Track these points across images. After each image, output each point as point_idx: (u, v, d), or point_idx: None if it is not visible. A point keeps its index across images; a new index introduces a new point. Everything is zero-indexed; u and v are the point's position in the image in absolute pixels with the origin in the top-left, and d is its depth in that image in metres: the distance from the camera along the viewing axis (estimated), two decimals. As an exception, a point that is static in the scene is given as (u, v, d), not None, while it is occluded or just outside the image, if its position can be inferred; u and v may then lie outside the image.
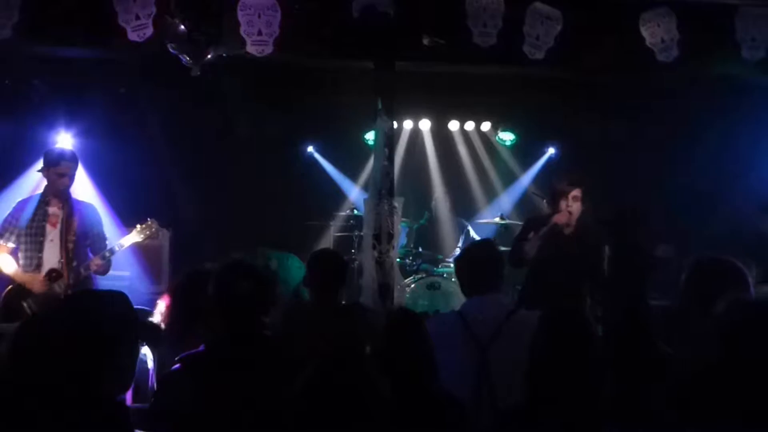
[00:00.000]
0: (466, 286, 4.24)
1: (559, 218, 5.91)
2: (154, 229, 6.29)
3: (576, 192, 5.90)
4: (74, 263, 5.92)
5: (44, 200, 6.01)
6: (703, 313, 3.45)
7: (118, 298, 2.85)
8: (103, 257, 6.01)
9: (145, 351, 4.12)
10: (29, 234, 5.92)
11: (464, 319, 3.94)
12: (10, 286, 5.89)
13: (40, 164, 6.17)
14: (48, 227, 5.95)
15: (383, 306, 5.91)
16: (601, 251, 6.03)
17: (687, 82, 7.64)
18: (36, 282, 5.81)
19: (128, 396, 4.30)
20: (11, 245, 5.93)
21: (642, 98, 8.77)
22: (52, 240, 5.93)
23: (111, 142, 8.52)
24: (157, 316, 4.72)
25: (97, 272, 5.98)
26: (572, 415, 2.87)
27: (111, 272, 6.37)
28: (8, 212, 6.03)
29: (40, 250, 5.91)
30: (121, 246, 6.15)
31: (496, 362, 3.78)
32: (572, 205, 5.90)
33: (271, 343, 3.41)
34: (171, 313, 4.35)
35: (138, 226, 6.27)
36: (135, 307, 2.90)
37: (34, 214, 5.95)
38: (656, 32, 6.30)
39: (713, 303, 3.37)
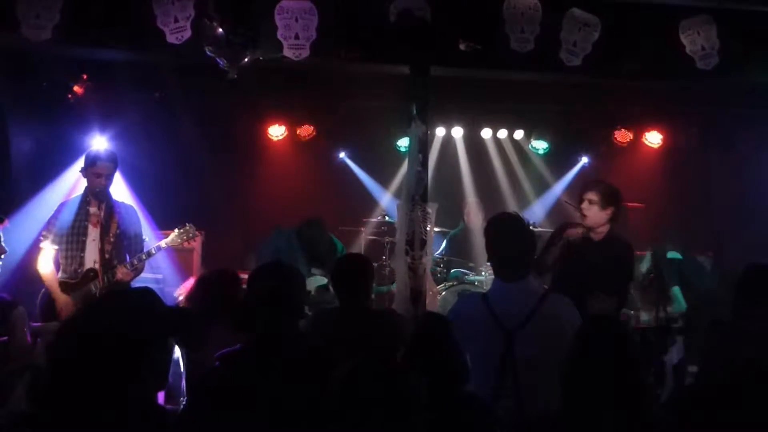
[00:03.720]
0: (495, 265, 4.09)
1: (570, 232, 5.82)
2: (191, 234, 6.34)
3: (591, 195, 5.78)
4: (113, 264, 5.97)
5: (85, 200, 6.08)
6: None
7: (146, 294, 2.86)
8: (137, 261, 6.05)
9: (177, 354, 4.13)
10: (72, 234, 5.99)
11: (490, 307, 3.86)
12: (44, 288, 5.95)
13: (77, 168, 6.26)
14: (90, 227, 6.01)
15: (415, 312, 5.87)
16: (627, 263, 5.92)
17: (725, 90, 7.56)
18: (65, 306, 5.82)
19: (160, 398, 4.32)
20: (55, 247, 5.98)
21: (678, 106, 8.70)
22: (93, 240, 6.00)
23: (145, 145, 8.59)
24: (180, 292, 4.76)
25: (123, 280, 5.98)
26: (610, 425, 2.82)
27: (142, 275, 6.42)
28: (51, 214, 6.11)
29: (83, 249, 5.98)
30: (159, 248, 6.20)
31: (522, 352, 3.73)
32: (587, 207, 5.81)
33: (306, 345, 3.41)
34: (193, 304, 4.37)
35: (176, 230, 6.33)
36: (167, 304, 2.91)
37: (77, 214, 6.03)
38: (696, 40, 6.24)
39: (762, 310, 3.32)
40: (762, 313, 3.31)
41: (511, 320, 3.78)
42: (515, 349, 3.74)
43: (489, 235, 4.13)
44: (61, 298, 5.85)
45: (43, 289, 5.94)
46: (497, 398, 3.66)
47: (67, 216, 6.03)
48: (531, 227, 7.01)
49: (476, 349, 3.45)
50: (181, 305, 4.58)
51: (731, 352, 3.25)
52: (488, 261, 4.13)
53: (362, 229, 9.50)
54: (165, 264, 7.95)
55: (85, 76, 7.64)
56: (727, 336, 3.39)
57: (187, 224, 6.37)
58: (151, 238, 7.21)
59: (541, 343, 3.71)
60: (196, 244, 8.39)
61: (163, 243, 6.27)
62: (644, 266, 7.15)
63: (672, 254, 7.52)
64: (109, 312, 2.70)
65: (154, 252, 6.17)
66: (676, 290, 7.30)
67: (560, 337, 3.57)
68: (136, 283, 6.14)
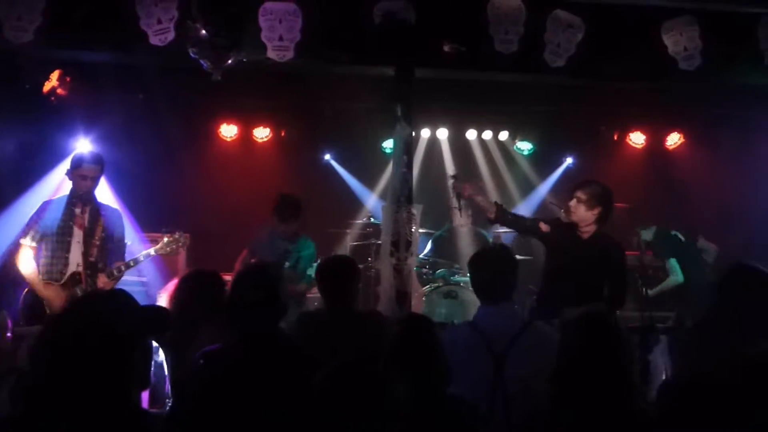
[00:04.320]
0: (478, 291, 4.22)
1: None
2: (182, 242, 6.34)
3: (580, 193, 5.86)
4: (97, 267, 5.94)
5: (71, 202, 6.04)
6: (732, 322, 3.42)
7: (119, 295, 2.86)
8: (124, 267, 6.03)
9: (161, 357, 4.12)
10: (57, 233, 5.94)
11: (478, 331, 3.93)
12: (27, 288, 5.90)
13: (65, 167, 6.21)
14: (75, 228, 5.97)
15: (401, 313, 5.87)
16: (615, 261, 5.98)
17: (709, 91, 7.60)
18: (56, 298, 5.78)
19: (144, 401, 4.31)
20: (34, 245, 5.93)
21: (662, 107, 8.74)
22: (78, 241, 5.96)
23: (129, 147, 8.56)
24: (163, 299, 4.73)
25: (104, 289, 5.91)
26: (600, 420, 2.83)
27: (127, 278, 6.39)
28: (33, 212, 6.05)
29: (67, 250, 5.95)
30: (148, 256, 6.18)
31: (512, 374, 3.78)
32: (574, 205, 5.87)
33: (289, 346, 3.41)
34: (176, 306, 4.35)
35: (165, 237, 6.30)
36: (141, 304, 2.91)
37: (63, 214, 5.98)
38: (679, 41, 6.27)
39: (742, 310, 3.35)
40: (743, 309, 3.34)
41: (498, 342, 3.84)
42: (504, 371, 3.78)
43: (472, 266, 4.27)
44: (47, 291, 5.81)
45: (26, 291, 5.88)
46: (490, 418, 3.68)
47: (52, 216, 5.98)
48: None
49: (466, 374, 3.47)
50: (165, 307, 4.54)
51: (715, 349, 3.28)
52: (471, 287, 4.25)
53: (348, 231, 9.49)
54: (150, 267, 7.92)
55: (68, 79, 7.58)
56: (711, 334, 3.41)
57: (177, 232, 6.36)
58: (136, 241, 7.18)
59: (529, 363, 3.76)
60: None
61: (152, 251, 6.26)
62: (646, 236, 7.30)
63: (675, 233, 7.75)
64: (84, 314, 2.70)
65: (142, 259, 6.16)
66: (673, 262, 7.57)
67: (546, 356, 3.64)
68: (121, 285, 6.11)
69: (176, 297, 4.52)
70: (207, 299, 4.34)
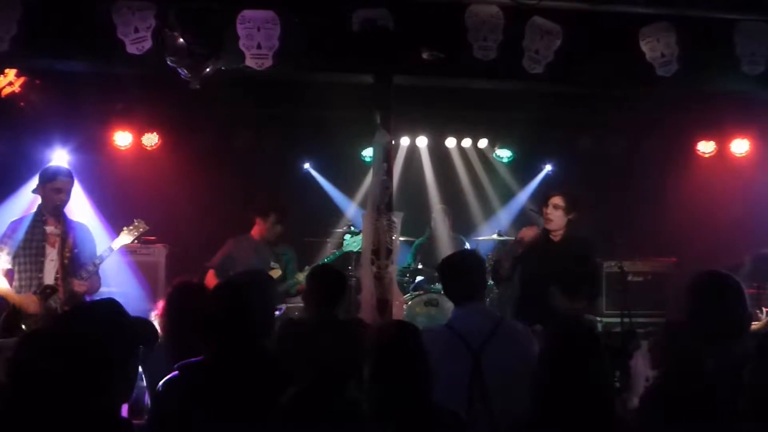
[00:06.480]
0: (450, 293, 4.34)
1: (525, 233, 6.29)
2: (142, 229, 6.21)
3: (556, 199, 6.09)
4: (69, 279, 5.85)
5: (41, 219, 5.91)
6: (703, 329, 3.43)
7: (109, 305, 2.83)
8: (91, 268, 5.90)
9: (139, 368, 4.07)
10: (28, 254, 5.83)
11: (455, 331, 4.01)
12: (3, 302, 5.80)
13: (34, 184, 6.08)
14: (48, 247, 5.87)
15: (382, 321, 5.86)
16: (588, 261, 6.11)
17: (686, 97, 7.65)
18: (31, 303, 5.69)
19: (124, 413, 4.25)
20: (8, 266, 5.82)
21: (640, 113, 8.79)
22: (51, 260, 5.85)
23: (107, 158, 8.50)
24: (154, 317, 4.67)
25: (85, 292, 5.85)
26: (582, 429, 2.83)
27: (107, 289, 6.30)
28: (2, 233, 5.93)
29: (41, 270, 5.83)
30: (111, 250, 6.03)
31: (489, 368, 3.87)
32: (552, 212, 6.06)
33: (269, 357, 3.38)
34: (164, 323, 4.29)
35: (125, 228, 6.18)
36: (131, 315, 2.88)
37: (32, 233, 5.86)
38: (656, 47, 6.30)
39: (713, 318, 3.38)
40: (715, 314, 3.38)
41: (475, 340, 3.92)
42: (482, 366, 3.86)
43: (442, 271, 4.43)
44: (21, 298, 5.69)
45: (6, 310, 5.78)
46: (470, 417, 3.69)
47: (20, 235, 5.85)
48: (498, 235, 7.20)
49: (445, 372, 3.48)
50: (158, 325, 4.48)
51: (687, 354, 3.31)
52: (443, 293, 4.38)
53: (328, 240, 9.44)
54: (130, 278, 7.87)
55: (20, 83, 7.40)
56: (683, 338, 3.43)
57: (135, 220, 6.24)
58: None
59: (505, 357, 3.89)
60: (160, 256, 8.33)
61: (114, 244, 6.09)
62: None
63: None
64: (75, 325, 2.66)
65: (107, 253, 6.01)
66: None
67: (521, 350, 3.89)
68: (100, 296, 6.03)
69: (169, 310, 4.44)
70: (190, 307, 4.28)
